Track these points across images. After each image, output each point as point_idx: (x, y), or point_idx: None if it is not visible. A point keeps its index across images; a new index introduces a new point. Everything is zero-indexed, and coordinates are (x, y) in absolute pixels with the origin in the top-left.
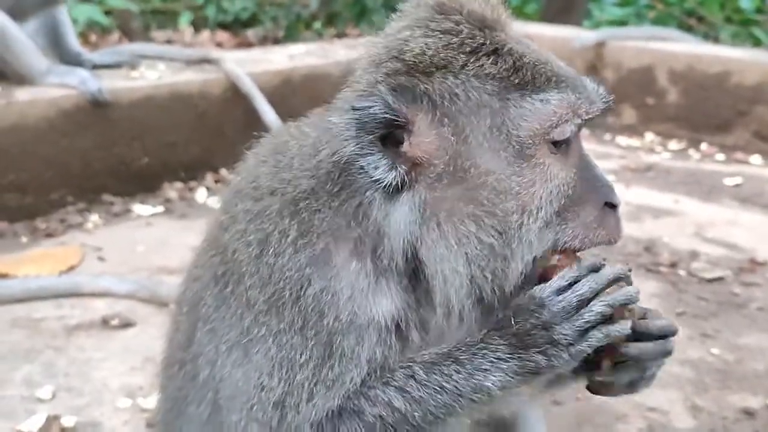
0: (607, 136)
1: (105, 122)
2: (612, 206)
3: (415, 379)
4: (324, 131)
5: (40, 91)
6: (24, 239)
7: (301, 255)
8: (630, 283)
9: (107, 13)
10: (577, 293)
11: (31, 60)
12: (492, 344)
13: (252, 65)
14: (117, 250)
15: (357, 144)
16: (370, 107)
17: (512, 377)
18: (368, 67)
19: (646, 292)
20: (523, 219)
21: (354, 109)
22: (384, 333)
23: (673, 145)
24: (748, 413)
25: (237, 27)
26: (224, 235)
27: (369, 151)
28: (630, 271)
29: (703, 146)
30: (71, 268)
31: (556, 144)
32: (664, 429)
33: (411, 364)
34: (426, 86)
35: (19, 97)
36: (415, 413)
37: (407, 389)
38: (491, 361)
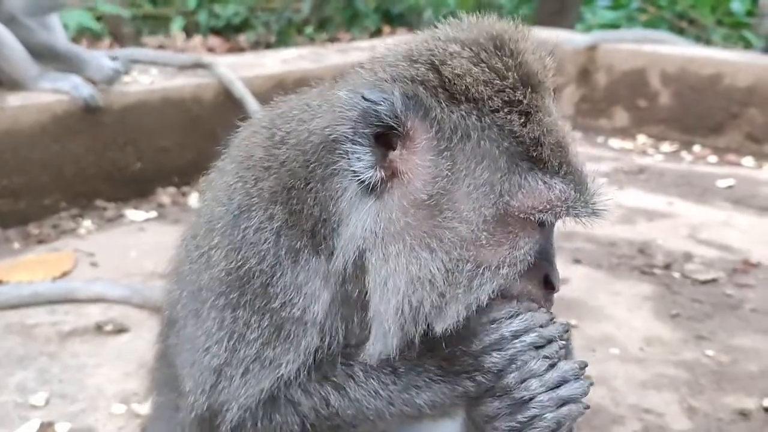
0: (600, 139)
1: (97, 127)
2: (549, 286)
3: (353, 380)
4: (326, 102)
5: (32, 97)
6: (16, 245)
7: (281, 243)
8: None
9: (98, 18)
10: (512, 329)
11: (23, 65)
12: (425, 364)
13: (245, 70)
14: (110, 255)
15: (352, 128)
16: (378, 104)
17: (442, 398)
18: (401, 58)
19: (640, 294)
20: (477, 272)
21: (363, 98)
22: (325, 329)
23: (666, 147)
24: (743, 414)
25: (229, 32)
26: (208, 191)
27: (360, 141)
28: (567, 330)
29: (696, 148)
30: (64, 274)
31: (539, 223)
32: (659, 430)
33: (352, 364)
34: (444, 113)
35: (11, 103)
36: (348, 411)
37: (345, 388)
38: (424, 380)
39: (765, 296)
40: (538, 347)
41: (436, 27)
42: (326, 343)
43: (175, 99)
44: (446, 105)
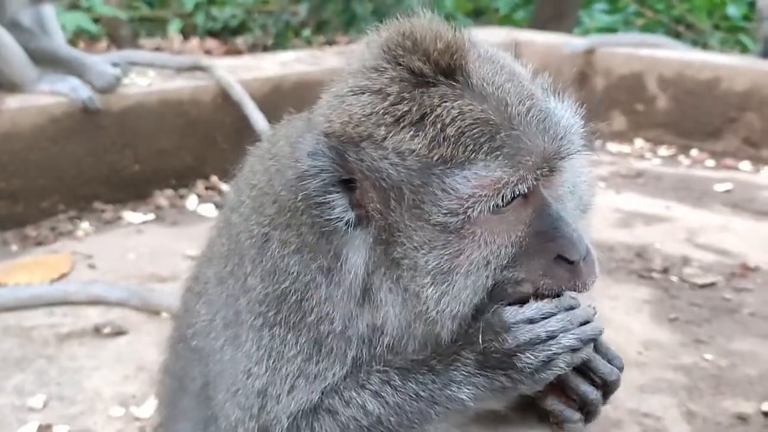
0: (597, 143)
1: (96, 129)
2: (568, 261)
3: (390, 385)
4: (296, 149)
5: (30, 99)
6: (14, 247)
7: (305, 264)
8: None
9: (96, 20)
10: (548, 329)
11: (22, 67)
12: (462, 358)
13: (242, 72)
14: (108, 257)
15: (317, 183)
16: (317, 162)
17: (483, 391)
18: (327, 103)
19: (639, 298)
20: (453, 279)
21: (309, 154)
22: (365, 340)
23: (663, 151)
24: (742, 418)
25: (226, 34)
26: (232, 216)
27: (327, 190)
28: (595, 312)
29: (693, 152)
30: (62, 276)
31: (498, 207)
32: None
33: (387, 369)
34: (354, 156)
35: (9, 105)
36: (391, 418)
37: (382, 394)
38: (463, 374)
39: (763, 300)
40: (574, 350)
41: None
42: (364, 352)
43: (173, 101)
44: (352, 150)
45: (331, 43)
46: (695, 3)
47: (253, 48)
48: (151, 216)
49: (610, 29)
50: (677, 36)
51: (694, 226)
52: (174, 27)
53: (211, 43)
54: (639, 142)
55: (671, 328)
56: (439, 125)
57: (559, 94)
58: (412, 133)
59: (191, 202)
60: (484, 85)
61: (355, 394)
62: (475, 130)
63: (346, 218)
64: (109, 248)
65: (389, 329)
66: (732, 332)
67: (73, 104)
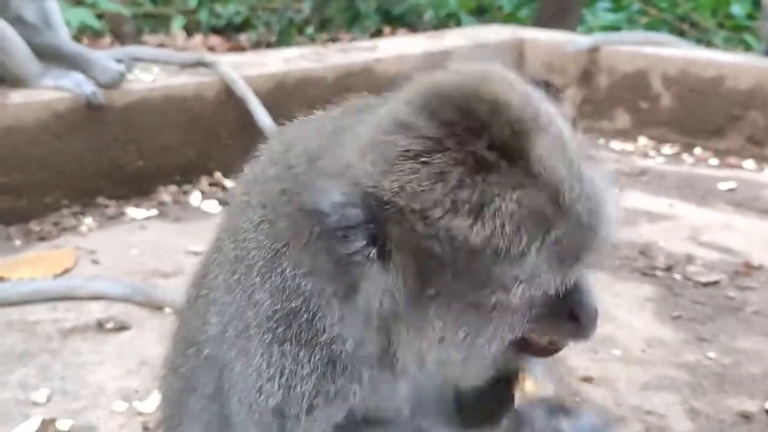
0: (601, 141)
1: (99, 125)
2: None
3: None
4: (317, 178)
5: (34, 94)
6: (17, 242)
7: (316, 285)
8: None
9: (99, 16)
10: None
11: (25, 62)
12: None
13: (247, 69)
14: (111, 253)
15: (342, 232)
16: (347, 221)
17: None
18: (363, 149)
19: (642, 296)
20: (478, 349)
21: (338, 206)
22: (379, 359)
23: (667, 149)
24: (746, 416)
25: (230, 31)
26: (239, 219)
27: (350, 225)
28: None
29: (697, 151)
30: (65, 272)
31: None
32: None
33: None
34: (396, 227)
35: (13, 100)
36: None
37: None
38: None
39: (767, 299)
40: None
41: (396, 93)
42: (377, 371)
43: (177, 97)
44: (397, 216)
45: (334, 40)
46: (699, 1)
47: (257, 45)
48: (154, 212)
49: (614, 27)
50: (681, 34)
51: (698, 224)
52: (177, 24)
53: (215, 39)
54: (643, 140)
55: (674, 326)
56: (498, 219)
57: (596, 160)
58: (470, 222)
59: (195, 198)
60: (542, 170)
61: None
62: (530, 224)
63: (368, 253)
64: (113, 244)
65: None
66: (735, 330)
67: (77, 99)
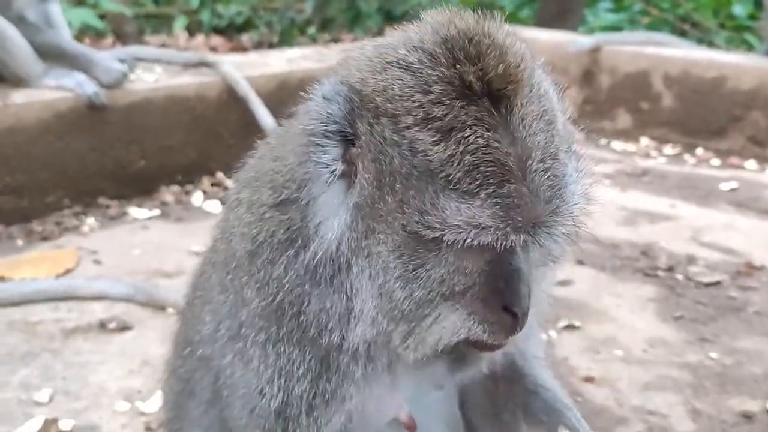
0: (603, 141)
1: (101, 125)
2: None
3: None
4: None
5: (36, 94)
6: (20, 242)
7: (296, 269)
8: None
9: (101, 16)
10: None
11: (27, 62)
12: None
13: (249, 69)
14: (113, 253)
15: (316, 126)
16: (330, 107)
17: None
18: (356, 63)
19: (644, 296)
20: (414, 290)
21: (324, 97)
22: (366, 354)
23: (669, 149)
24: (747, 417)
25: (231, 31)
26: (230, 218)
27: (324, 136)
28: None
29: (699, 151)
30: (67, 272)
31: (471, 245)
32: None
33: None
34: (368, 124)
35: (15, 99)
36: None
37: None
38: None
39: None
40: None
41: (418, 20)
42: (369, 369)
43: (180, 97)
44: (369, 120)
45: (336, 40)
46: (701, 1)
47: (259, 45)
48: (156, 212)
49: (615, 28)
50: (683, 34)
51: (700, 224)
52: (179, 24)
53: (217, 40)
54: (644, 141)
55: (676, 327)
56: (461, 147)
57: (578, 155)
58: (435, 139)
59: (197, 198)
60: (521, 128)
61: None
62: (489, 169)
63: (334, 168)
64: (115, 244)
65: (367, 324)
66: (737, 331)
67: (79, 99)
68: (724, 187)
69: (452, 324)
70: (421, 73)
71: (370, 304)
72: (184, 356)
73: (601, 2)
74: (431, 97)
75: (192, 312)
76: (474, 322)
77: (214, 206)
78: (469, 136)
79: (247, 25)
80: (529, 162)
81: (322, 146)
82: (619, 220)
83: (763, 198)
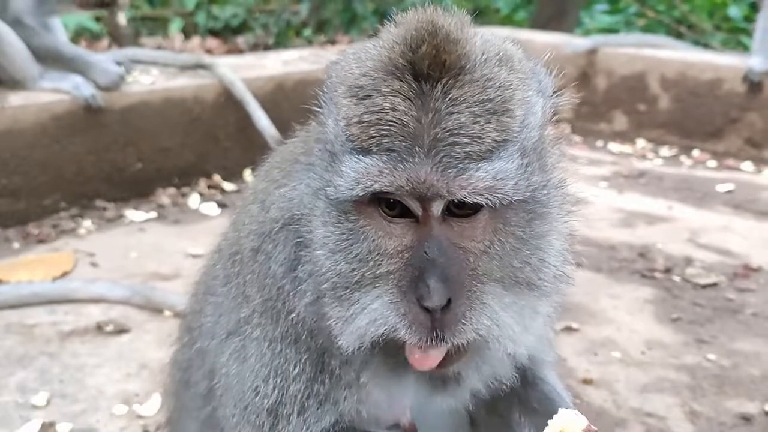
0: (599, 143)
1: (98, 127)
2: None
3: None
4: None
5: (33, 96)
6: (16, 245)
7: (287, 265)
8: None
9: (97, 19)
10: None
11: (24, 64)
12: None
13: (245, 71)
14: (110, 255)
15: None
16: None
17: None
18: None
19: (641, 298)
20: (338, 263)
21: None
22: (360, 358)
23: (665, 151)
24: (746, 418)
25: (227, 34)
26: (242, 213)
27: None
28: None
29: (695, 153)
30: (64, 274)
31: (383, 208)
32: None
33: None
34: (325, 108)
35: (12, 102)
36: None
37: None
38: None
39: (765, 300)
40: None
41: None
42: (356, 373)
43: (176, 99)
44: (326, 101)
45: (332, 42)
46: (696, 3)
47: (254, 47)
48: (153, 214)
49: (611, 29)
50: (678, 36)
51: (696, 226)
52: (175, 26)
53: (213, 42)
54: (641, 143)
55: (674, 328)
56: (368, 108)
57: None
58: (351, 104)
59: (193, 200)
60: (441, 104)
61: None
62: (386, 127)
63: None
64: (112, 246)
65: (309, 301)
66: (735, 332)
67: (76, 102)
68: (721, 188)
69: (375, 312)
70: (365, 55)
71: (313, 284)
72: (184, 344)
73: (597, 4)
74: (363, 69)
75: (196, 300)
76: (394, 314)
77: (211, 208)
78: (378, 100)
79: (242, 27)
80: (437, 130)
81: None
82: (615, 222)
83: (759, 199)
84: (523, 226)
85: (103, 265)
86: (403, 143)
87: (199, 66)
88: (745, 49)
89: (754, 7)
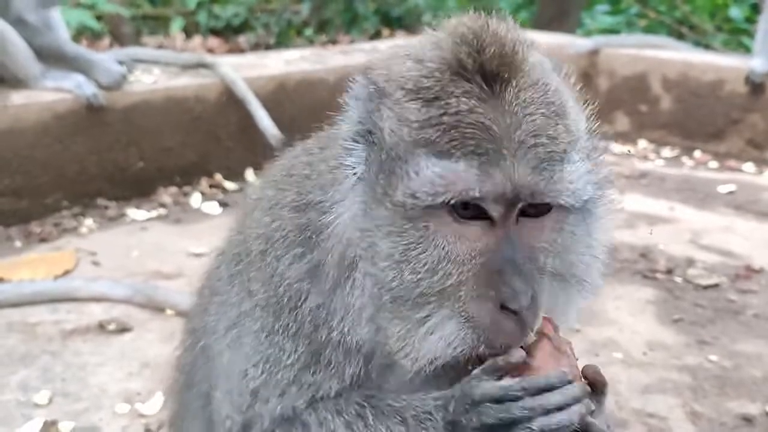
0: (601, 144)
1: (100, 126)
2: (511, 311)
3: (363, 421)
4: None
5: (35, 95)
6: (18, 243)
7: (300, 266)
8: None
9: (98, 18)
10: (511, 414)
11: (26, 63)
12: (434, 420)
13: (247, 70)
14: (112, 254)
15: (348, 126)
16: (354, 106)
17: None
18: (389, 54)
19: (643, 298)
20: (404, 273)
21: (352, 95)
22: (364, 356)
23: (667, 152)
24: (747, 419)
25: (228, 33)
26: (248, 216)
27: (352, 139)
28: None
29: (697, 153)
30: (66, 273)
31: (457, 212)
32: None
33: (365, 404)
34: (376, 110)
35: (14, 101)
36: None
37: (353, 427)
38: (434, 428)
39: (767, 302)
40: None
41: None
42: (362, 371)
43: (178, 98)
44: (377, 102)
45: (333, 42)
46: (698, 4)
47: (256, 47)
48: (155, 213)
49: (613, 30)
50: (680, 37)
51: (698, 227)
52: (176, 25)
53: (214, 41)
54: (643, 143)
55: (676, 329)
56: (443, 110)
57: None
58: (418, 106)
59: (195, 199)
60: (515, 105)
61: (330, 417)
62: (469, 130)
63: (356, 171)
64: (113, 245)
65: (364, 320)
66: (736, 333)
67: (78, 101)
68: (723, 189)
69: (450, 335)
70: (422, 56)
71: (366, 298)
72: (186, 347)
73: (599, 5)
74: (424, 71)
75: (201, 302)
76: (471, 332)
77: (213, 208)
78: (451, 102)
79: (244, 27)
80: (518, 132)
81: (350, 149)
82: (617, 223)
83: (761, 200)
84: (579, 224)
85: (105, 263)
86: (490, 146)
87: (201, 65)
88: (746, 50)
89: (756, 8)
